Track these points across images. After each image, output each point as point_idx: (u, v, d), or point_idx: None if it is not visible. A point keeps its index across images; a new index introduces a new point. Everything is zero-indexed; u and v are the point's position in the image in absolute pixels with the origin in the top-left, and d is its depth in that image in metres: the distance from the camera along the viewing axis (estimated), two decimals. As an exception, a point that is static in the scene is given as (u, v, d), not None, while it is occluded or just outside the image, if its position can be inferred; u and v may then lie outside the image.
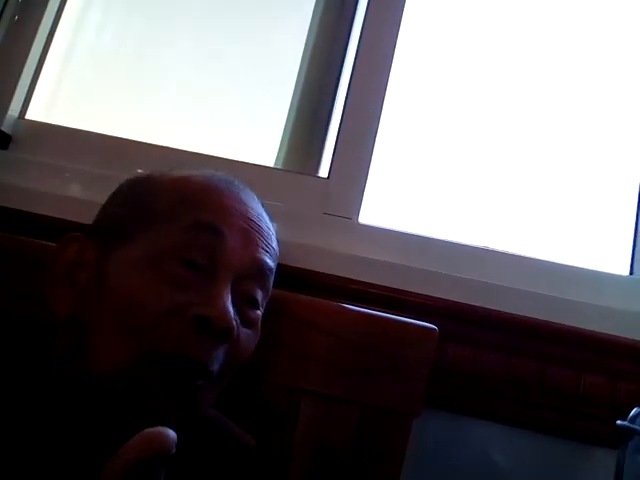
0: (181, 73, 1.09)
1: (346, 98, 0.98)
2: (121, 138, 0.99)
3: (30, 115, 1.03)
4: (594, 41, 1.04)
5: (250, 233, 0.55)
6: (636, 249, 0.94)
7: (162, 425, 0.49)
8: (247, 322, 0.55)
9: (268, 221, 0.59)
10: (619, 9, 1.05)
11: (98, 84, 1.10)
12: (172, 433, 0.34)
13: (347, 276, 0.82)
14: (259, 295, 0.56)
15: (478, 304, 0.81)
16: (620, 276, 0.92)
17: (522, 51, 1.05)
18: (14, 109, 1.01)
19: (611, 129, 1.01)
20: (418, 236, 0.92)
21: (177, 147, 0.98)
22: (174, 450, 0.33)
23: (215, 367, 0.51)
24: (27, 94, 1.03)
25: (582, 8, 1.06)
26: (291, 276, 0.75)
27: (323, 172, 0.99)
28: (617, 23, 1.04)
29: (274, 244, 0.59)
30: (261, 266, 0.56)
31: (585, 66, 1.03)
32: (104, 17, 1.14)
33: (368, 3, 1.02)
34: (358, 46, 1.00)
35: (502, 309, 0.80)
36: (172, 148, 0.98)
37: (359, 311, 0.70)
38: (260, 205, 0.60)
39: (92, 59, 1.12)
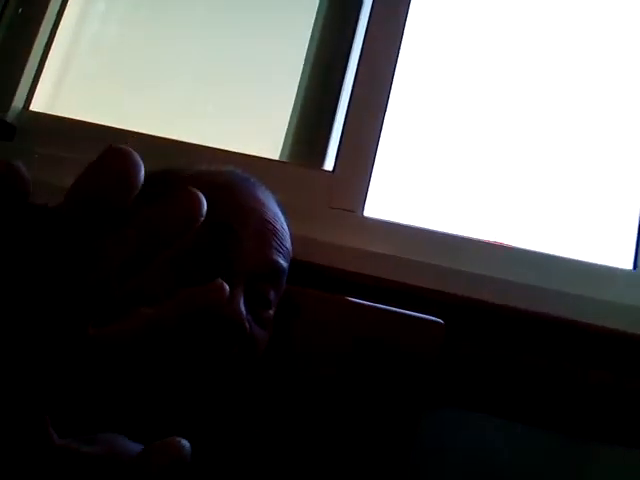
0: (185, 65, 1.09)
1: (352, 92, 0.98)
2: (124, 130, 0.99)
3: (34, 106, 1.03)
4: (596, 38, 1.04)
5: (265, 234, 0.56)
6: (640, 244, 0.94)
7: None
8: (260, 321, 0.55)
9: (283, 220, 0.60)
10: (620, 12, 1.04)
11: (102, 75, 1.10)
12: (187, 443, 0.34)
13: (352, 270, 0.82)
14: (272, 295, 0.56)
15: (484, 298, 0.81)
16: (624, 270, 0.92)
17: (525, 48, 1.04)
18: (18, 100, 1.01)
19: (614, 126, 1.01)
20: (423, 229, 0.92)
21: (181, 139, 0.98)
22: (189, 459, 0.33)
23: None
24: (31, 85, 1.03)
25: (583, 10, 1.05)
26: (295, 270, 0.75)
27: (328, 165, 0.99)
28: (618, 25, 1.04)
29: (288, 244, 0.59)
30: (275, 268, 0.56)
31: (587, 64, 1.03)
32: (108, 8, 1.14)
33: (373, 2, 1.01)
34: (364, 39, 0.99)
35: (507, 303, 0.81)
36: (176, 140, 0.98)
37: (365, 304, 0.70)
38: (275, 204, 0.60)
39: (96, 50, 1.12)
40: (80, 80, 1.10)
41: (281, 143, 1.02)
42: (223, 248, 0.53)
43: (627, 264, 0.93)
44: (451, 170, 1.01)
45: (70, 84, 1.09)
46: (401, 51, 0.99)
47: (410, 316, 0.67)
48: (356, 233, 0.90)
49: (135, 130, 0.99)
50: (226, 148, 0.97)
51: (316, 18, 1.06)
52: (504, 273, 0.84)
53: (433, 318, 0.67)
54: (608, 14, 1.04)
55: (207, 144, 0.97)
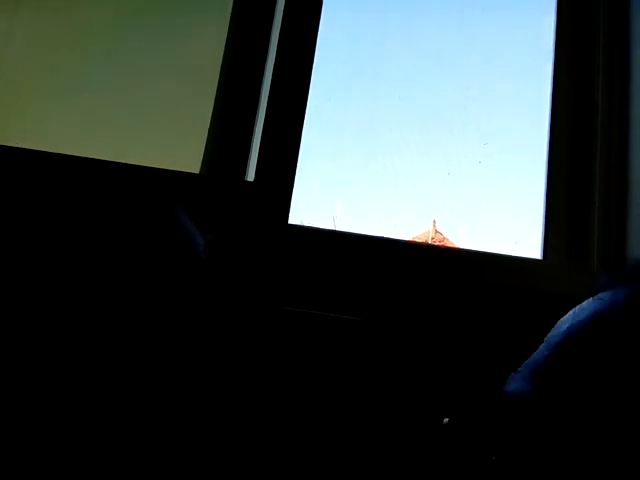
0: (97, 80, 1.06)
1: (269, 103, 0.99)
2: (36, 150, 0.95)
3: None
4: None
5: None
6: (548, 236, 1.01)
7: None
8: None
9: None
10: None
11: (9, 93, 1.06)
12: None
13: (279, 276, 0.83)
14: None
15: (405, 296, 0.84)
16: (534, 260, 0.98)
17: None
18: None
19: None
20: (345, 233, 0.95)
21: (96, 157, 0.95)
22: None
23: None
24: None
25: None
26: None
27: (250, 176, 1.00)
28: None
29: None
30: None
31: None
32: (11, 23, 1.10)
33: None
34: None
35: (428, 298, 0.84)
36: (91, 159, 0.95)
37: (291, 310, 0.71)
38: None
39: (1, 67, 1.07)
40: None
41: (201, 157, 1.01)
42: None
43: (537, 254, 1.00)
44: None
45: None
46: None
47: (331, 317, 0.69)
48: (282, 241, 0.91)
49: (47, 150, 0.95)
50: (145, 164, 0.95)
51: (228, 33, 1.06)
52: (424, 270, 0.88)
53: (353, 317, 0.70)
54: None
55: (125, 160, 0.95)
